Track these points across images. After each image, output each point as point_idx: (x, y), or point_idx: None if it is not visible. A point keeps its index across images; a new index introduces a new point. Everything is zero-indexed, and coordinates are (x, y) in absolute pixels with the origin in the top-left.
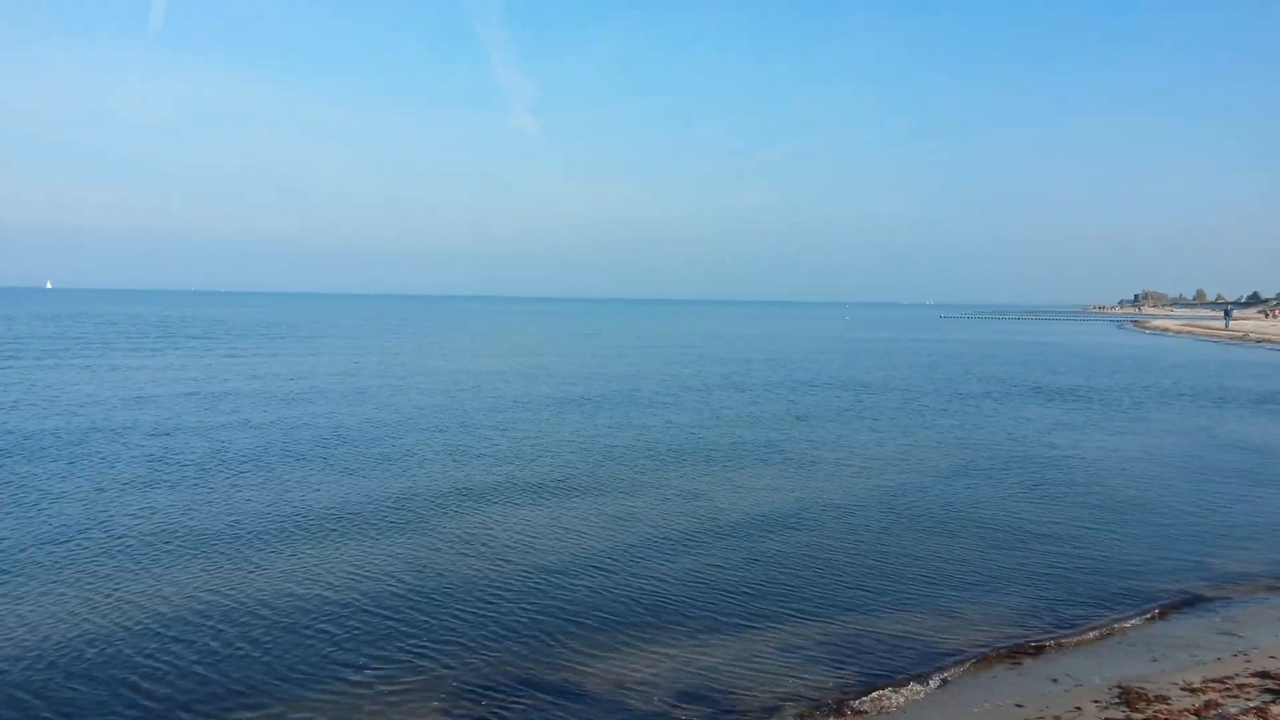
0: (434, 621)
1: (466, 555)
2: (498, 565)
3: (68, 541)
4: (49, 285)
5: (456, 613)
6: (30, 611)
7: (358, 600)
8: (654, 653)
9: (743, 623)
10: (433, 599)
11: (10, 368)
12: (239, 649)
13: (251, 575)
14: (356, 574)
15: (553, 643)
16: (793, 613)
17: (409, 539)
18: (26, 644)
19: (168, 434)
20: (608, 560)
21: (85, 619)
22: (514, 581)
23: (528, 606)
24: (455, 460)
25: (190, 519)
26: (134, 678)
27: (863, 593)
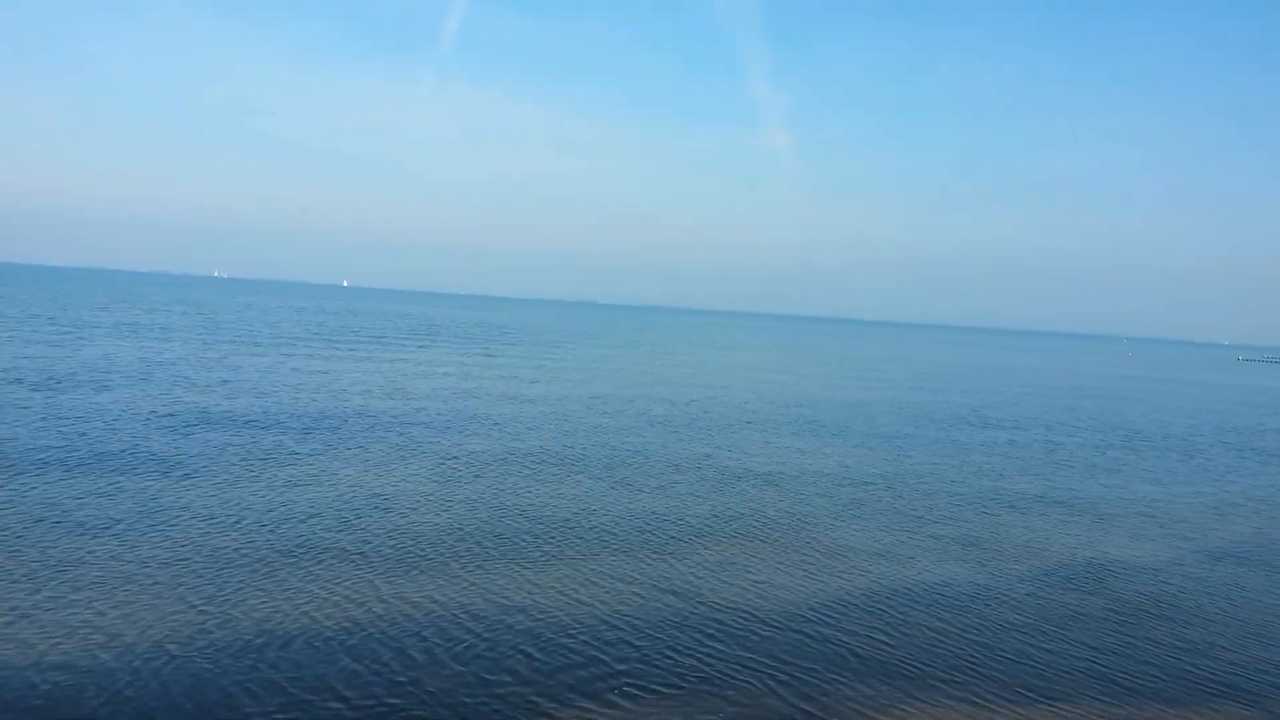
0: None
1: (843, 575)
2: (843, 585)
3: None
4: (345, 284)
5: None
6: (342, 598)
7: (623, 617)
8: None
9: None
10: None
11: (325, 354)
12: (528, 655)
13: (553, 578)
14: (625, 590)
15: (830, 683)
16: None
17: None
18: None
19: (471, 426)
20: (911, 598)
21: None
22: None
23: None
24: (797, 476)
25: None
26: (402, 669)
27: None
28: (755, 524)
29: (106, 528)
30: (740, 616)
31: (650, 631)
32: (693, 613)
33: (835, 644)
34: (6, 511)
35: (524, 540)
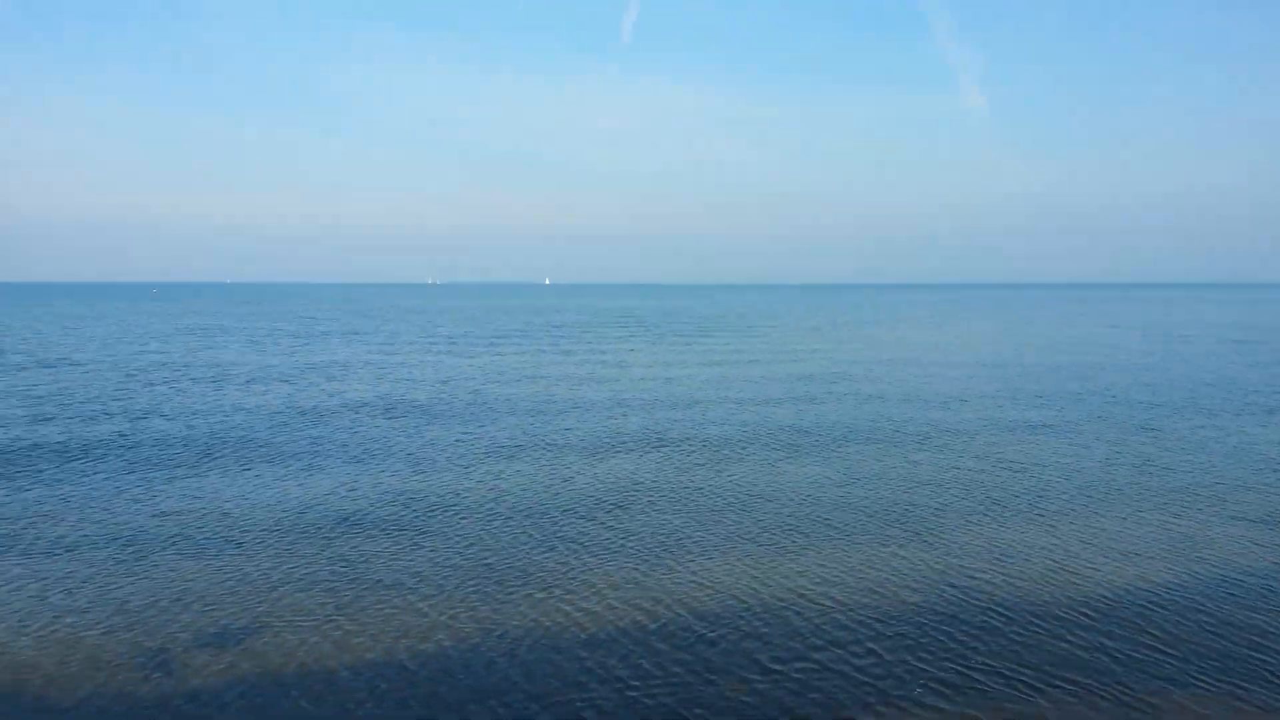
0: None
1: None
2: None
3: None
4: (547, 281)
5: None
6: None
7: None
8: None
9: None
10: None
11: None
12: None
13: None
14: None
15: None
16: None
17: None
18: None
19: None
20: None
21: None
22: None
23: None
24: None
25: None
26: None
27: None
28: (1043, 506)
29: (390, 528)
30: (1031, 610)
31: (934, 624)
32: (971, 603)
33: (1166, 648)
34: (316, 511)
35: (800, 525)
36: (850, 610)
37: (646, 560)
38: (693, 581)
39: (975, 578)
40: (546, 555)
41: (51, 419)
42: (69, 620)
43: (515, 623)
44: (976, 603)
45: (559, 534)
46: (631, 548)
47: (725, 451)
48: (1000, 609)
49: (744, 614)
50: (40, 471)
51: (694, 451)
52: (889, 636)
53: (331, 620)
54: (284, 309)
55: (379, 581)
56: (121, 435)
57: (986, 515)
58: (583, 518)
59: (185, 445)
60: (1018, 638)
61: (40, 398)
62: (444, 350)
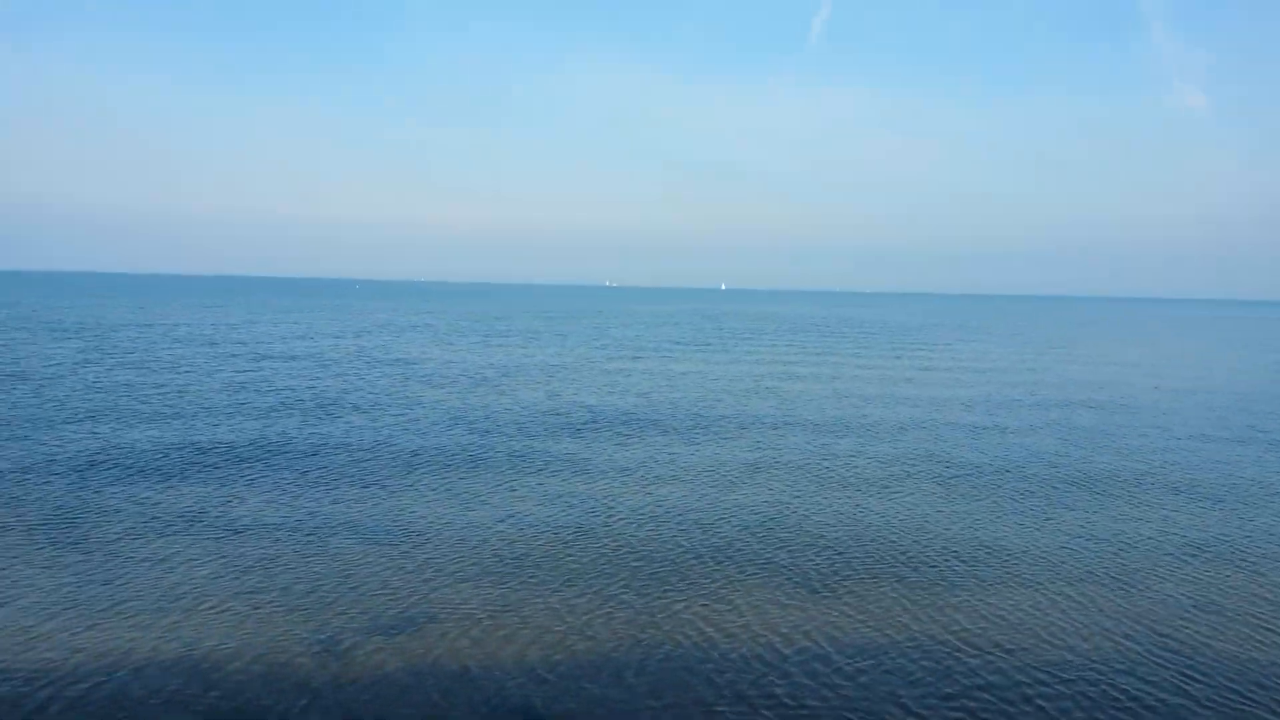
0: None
1: None
2: None
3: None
4: (723, 286)
5: None
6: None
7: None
8: None
9: None
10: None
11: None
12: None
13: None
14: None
15: None
16: None
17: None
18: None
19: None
20: None
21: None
22: None
23: None
24: None
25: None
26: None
27: None
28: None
29: (553, 528)
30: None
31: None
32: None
33: None
34: (481, 508)
35: (974, 558)
36: (1022, 656)
37: (808, 584)
38: (849, 612)
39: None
40: (711, 569)
41: (247, 406)
42: (251, 598)
43: (664, 634)
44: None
45: (728, 549)
46: (799, 569)
47: (961, 482)
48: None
49: (895, 649)
50: (240, 459)
51: (886, 474)
52: (1060, 684)
53: (495, 618)
54: (473, 308)
55: (541, 581)
56: (308, 424)
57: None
58: (755, 534)
59: (380, 441)
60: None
61: (241, 385)
62: (652, 356)
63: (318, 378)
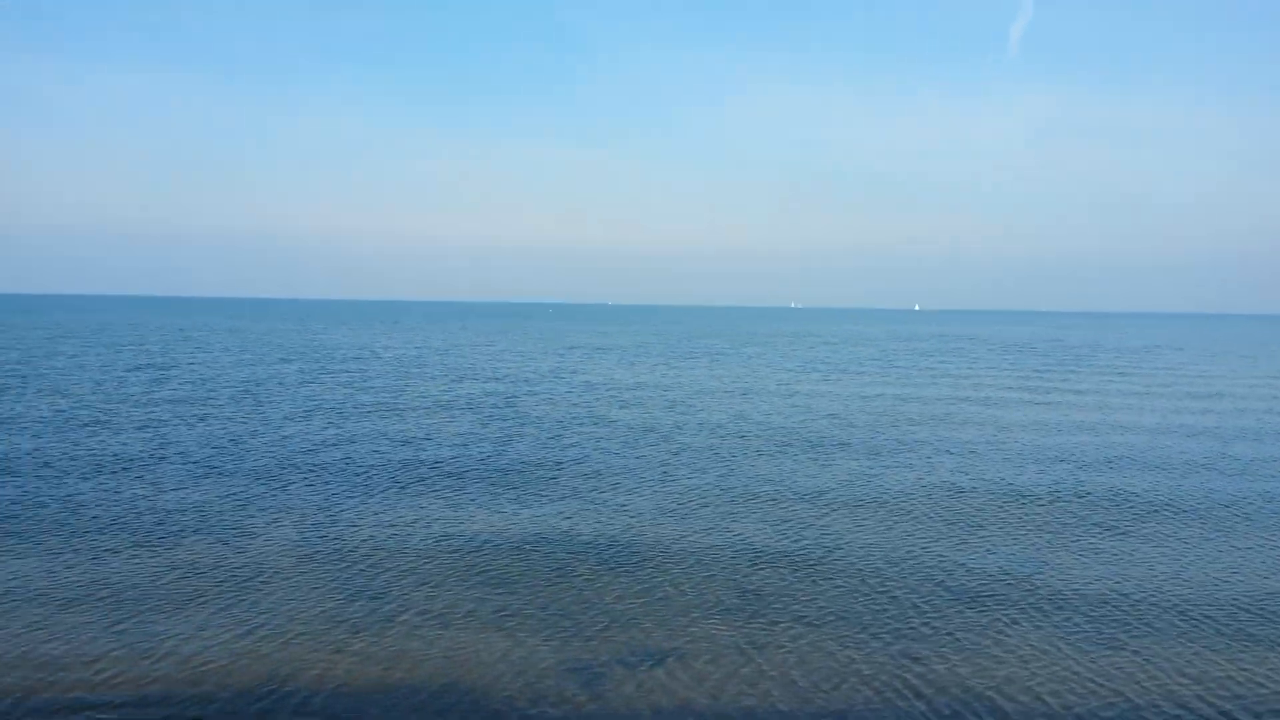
0: None
1: None
2: None
3: None
4: (916, 307)
5: None
6: None
7: None
8: None
9: None
10: None
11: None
12: None
13: None
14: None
15: None
16: None
17: None
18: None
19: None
20: None
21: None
22: None
23: None
24: None
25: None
26: None
27: None
28: None
29: (796, 562)
30: None
31: None
32: None
33: None
34: (721, 535)
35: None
36: None
37: (1076, 635)
38: (1127, 668)
39: None
40: (964, 612)
41: (485, 426)
42: (501, 618)
43: (920, 685)
44: None
45: (981, 592)
46: (1064, 618)
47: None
48: None
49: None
50: (488, 485)
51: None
52: None
53: (743, 653)
54: (660, 329)
55: (784, 618)
56: (524, 444)
57: None
58: (1006, 577)
59: (617, 460)
60: None
61: (466, 405)
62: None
63: (517, 396)
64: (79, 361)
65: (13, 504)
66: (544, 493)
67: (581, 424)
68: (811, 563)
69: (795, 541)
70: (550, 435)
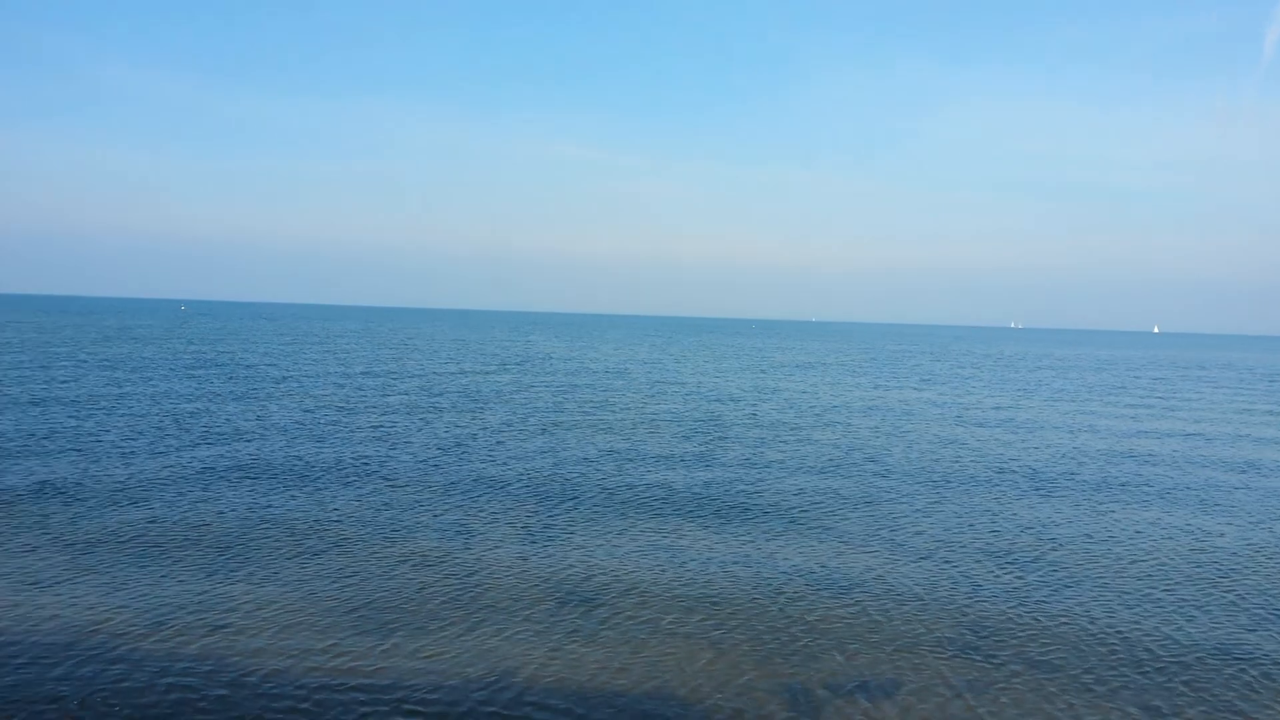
0: None
1: None
2: None
3: None
4: (1156, 330)
5: None
6: None
7: None
8: None
9: None
10: None
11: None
12: None
13: None
14: None
15: None
16: None
17: None
18: None
19: None
20: None
21: None
22: None
23: None
24: None
25: None
26: None
27: None
28: None
29: (1019, 599)
30: None
31: None
32: None
33: None
34: (937, 567)
35: None
36: None
37: None
38: None
39: None
40: (1220, 671)
41: (693, 445)
42: (715, 637)
43: None
44: None
45: (1238, 648)
46: None
47: None
48: None
49: None
50: (709, 512)
51: None
52: None
53: (956, 689)
54: (868, 347)
55: (1008, 656)
56: (730, 466)
57: None
58: (1274, 634)
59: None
60: None
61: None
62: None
63: (721, 413)
64: (322, 368)
65: (265, 499)
66: (748, 509)
67: (784, 442)
68: (1037, 600)
69: (1018, 576)
70: (753, 451)
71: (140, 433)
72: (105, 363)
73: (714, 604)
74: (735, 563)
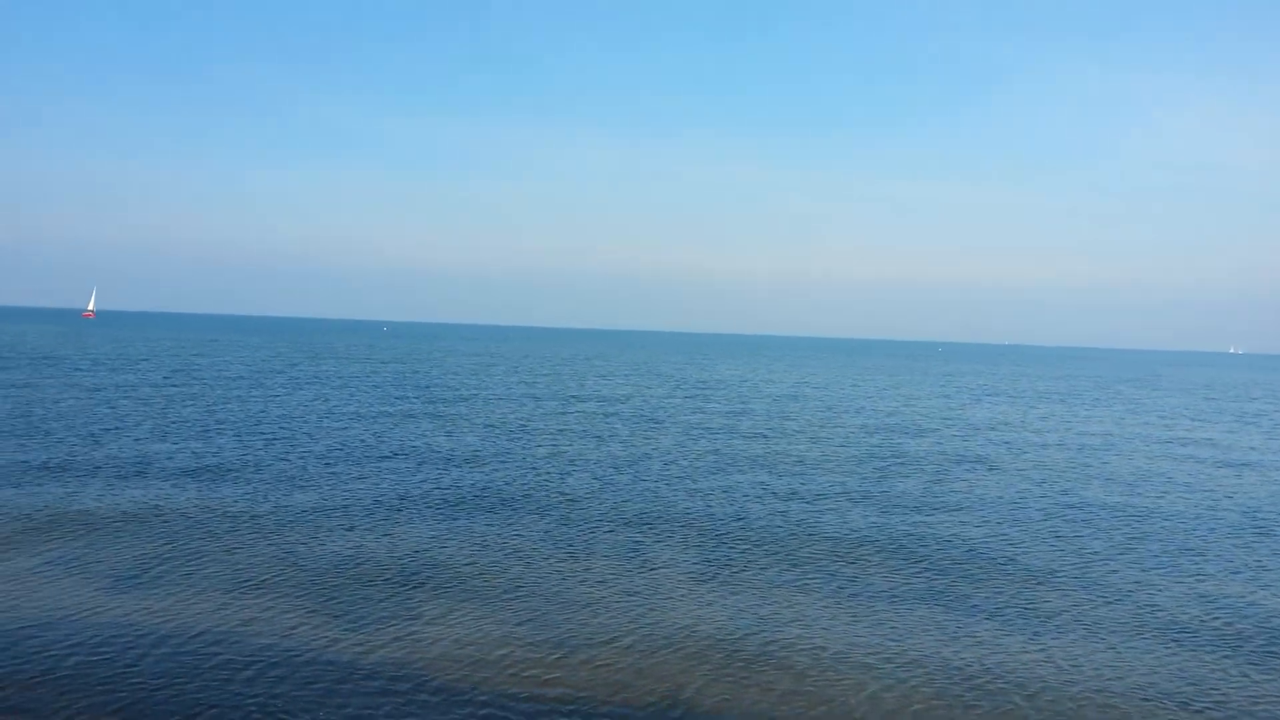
0: None
1: None
2: None
3: None
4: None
5: None
6: None
7: None
8: None
9: None
10: None
11: None
12: None
13: None
14: None
15: None
16: None
17: None
18: None
19: None
20: None
21: None
22: None
23: None
24: None
25: None
26: None
27: None
28: None
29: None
30: None
31: None
32: None
33: None
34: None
35: None
36: None
37: None
38: None
39: None
40: None
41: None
42: (895, 671)
43: None
44: None
45: None
46: None
47: None
48: None
49: None
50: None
51: None
52: None
53: None
54: (1076, 372)
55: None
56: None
57: None
58: None
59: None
60: None
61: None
62: None
63: (899, 438)
64: (507, 387)
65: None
66: (930, 554)
67: (983, 481)
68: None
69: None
70: (932, 480)
71: (340, 450)
72: (316, 379)
73: (901, 639)
74: (915, 598)
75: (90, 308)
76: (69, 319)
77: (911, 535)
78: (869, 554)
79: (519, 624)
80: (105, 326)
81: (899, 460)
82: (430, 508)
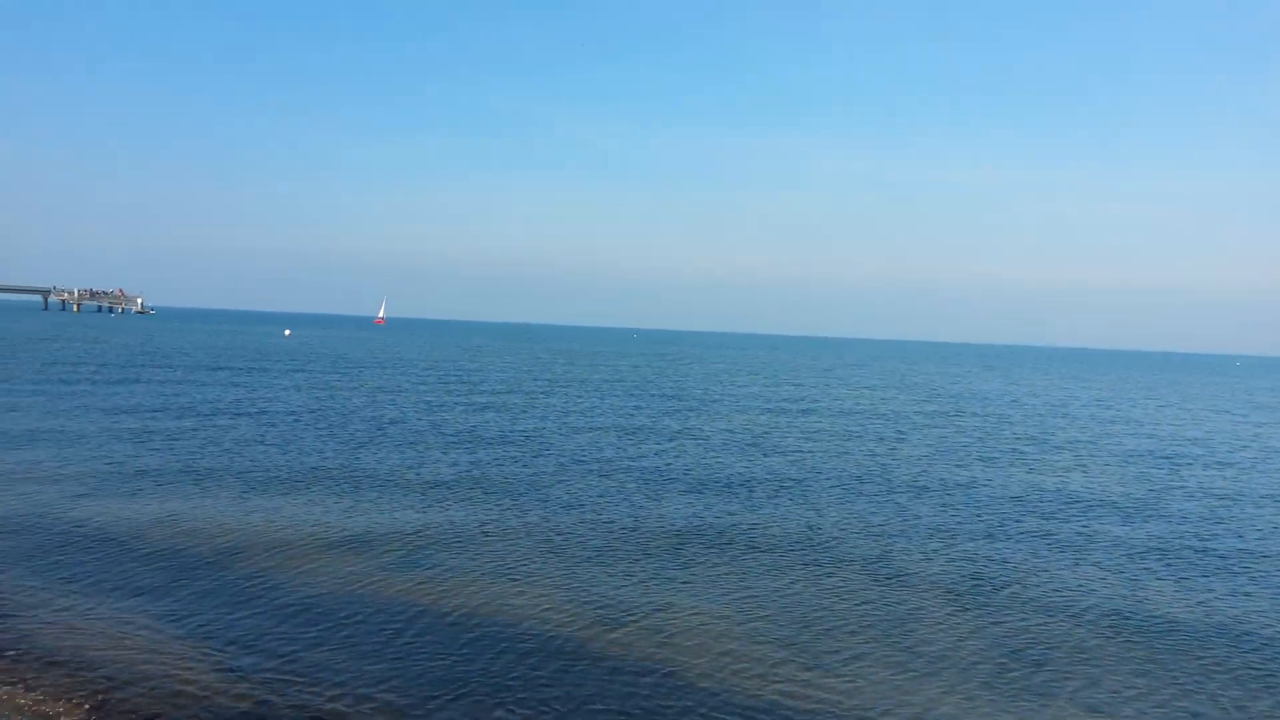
0: None
1: None
2: None
3: None
4: None
5: None
6: None
7: None
8: None
9: None
10: None
11: None
12: None
13: None
14: None
15: None
16: None
17: None
18: None
19: None
20: None
21: None
22: None
23: None
24: None
25: None
26: None
27: None
28: None
29: None
30: None
31: None
32: None
33: None
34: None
35: None
36: None
37: None
38: None
39: None
40: None
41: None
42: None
43: None
44: None
45: None
46: None
47: None
48: None
49: None
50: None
51: None
52: None
53: None
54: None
55: None
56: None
57: None
58: None
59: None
60: None
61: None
62: None
63: (1187, 457)
64: (747, 392)
65: (704, 509)
66: (1228, 578)
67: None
68: None
69: None
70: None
71: (597, 437)
72: (574, 382)
73: (1180, 686)
74: (1213, 632)
75: (380, 315)
76: (364, 325)
77: (1189, 542)
78: (1146, 558)
79: (763, 619)
80: (395, 332)
81: (1168, 474)
82: (682, 500)
